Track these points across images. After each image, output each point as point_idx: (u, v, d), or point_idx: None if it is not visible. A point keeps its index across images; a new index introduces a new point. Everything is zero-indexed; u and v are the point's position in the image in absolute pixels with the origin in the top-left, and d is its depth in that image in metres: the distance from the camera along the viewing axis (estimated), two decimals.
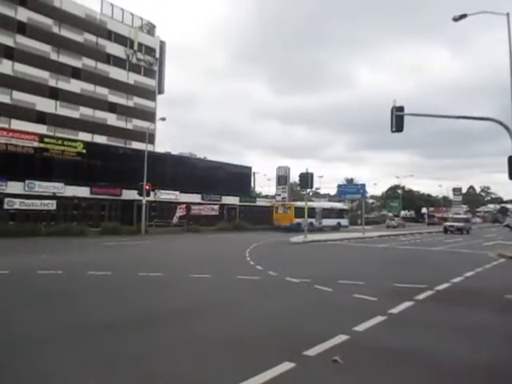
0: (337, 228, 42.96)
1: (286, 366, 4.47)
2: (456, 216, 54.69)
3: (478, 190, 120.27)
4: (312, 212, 38.55)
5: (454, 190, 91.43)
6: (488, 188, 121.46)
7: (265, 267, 12.44)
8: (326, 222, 42.45)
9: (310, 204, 39.62)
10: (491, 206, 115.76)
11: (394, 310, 7.19)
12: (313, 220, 38.91)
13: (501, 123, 15.92)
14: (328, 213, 43.77)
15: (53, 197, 30.84)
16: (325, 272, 12.37)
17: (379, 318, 6.60)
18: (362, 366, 4.69)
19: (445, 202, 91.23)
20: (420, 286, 9.49)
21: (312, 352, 4.93)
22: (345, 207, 50.59)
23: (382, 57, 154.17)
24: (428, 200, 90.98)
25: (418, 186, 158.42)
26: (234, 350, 5.16)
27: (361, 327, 6.05)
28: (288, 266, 13.39)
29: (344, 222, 45.63)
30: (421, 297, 8.47)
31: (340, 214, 46.23)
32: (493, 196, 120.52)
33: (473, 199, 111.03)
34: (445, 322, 6.75)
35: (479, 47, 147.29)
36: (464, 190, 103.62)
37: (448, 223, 43.50)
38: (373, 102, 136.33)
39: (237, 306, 7.77)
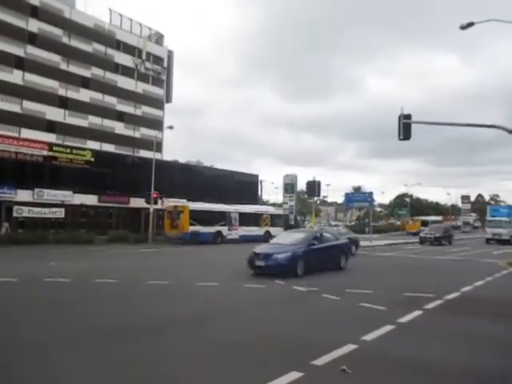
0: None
1: (294, 375, 4.42)
2: None
3: (486, 198, 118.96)
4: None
5: (463, 198, 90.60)
6: (497, 196, 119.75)
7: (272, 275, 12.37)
8: None
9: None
10: None
11: (403, 319, 7.11)
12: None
13: (509, 131, 15.79)
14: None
15: (61, 205, 31.11)
16: (332, 281, 12.30)
17: (388, 327, 6.53)
18: (370, 375, 4.64)
19: (453, 210, 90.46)
20: (429, 295, 9.39)
21: (320, 361, 4.88)
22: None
23: (391, 63, 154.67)
24: (436, 208, 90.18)
25: (425, 194, 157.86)
26: (241, 358, 5.13)
27: (369, 336, 5.98)
28: None
29: None
30: (430, 306, 8.38)
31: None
32: (502, 204, 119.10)
33: (482, 207, 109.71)
34: (454, 331, 6.66)
35: (489, 54, 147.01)
36: (473, 198, 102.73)
37: None
38: (381, 108, 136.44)
39: (243, 314, 7.74)
